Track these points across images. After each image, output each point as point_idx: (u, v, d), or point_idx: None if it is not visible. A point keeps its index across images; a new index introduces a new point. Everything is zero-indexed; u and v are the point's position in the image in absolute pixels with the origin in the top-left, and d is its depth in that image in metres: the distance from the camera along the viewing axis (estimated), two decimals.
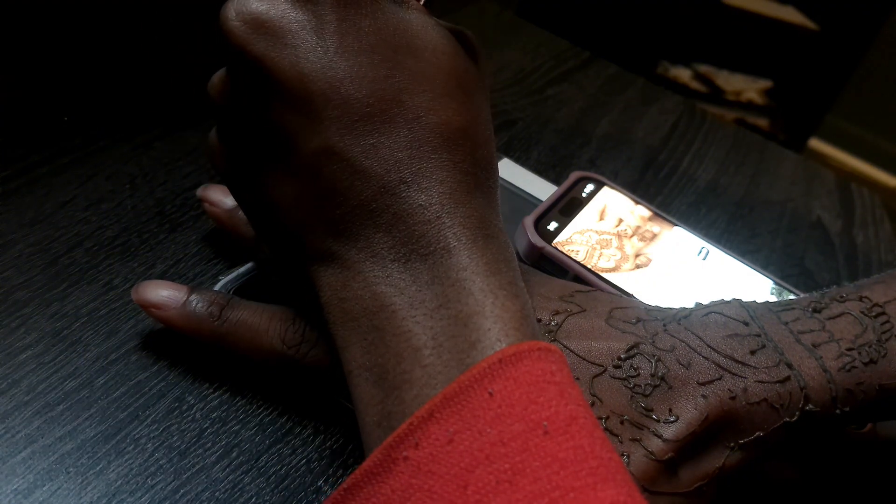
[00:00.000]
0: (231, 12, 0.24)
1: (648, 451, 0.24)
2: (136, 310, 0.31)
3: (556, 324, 0.27)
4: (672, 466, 0.24)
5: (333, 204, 0.24)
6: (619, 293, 0.33)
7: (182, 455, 0.27)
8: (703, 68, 1.71)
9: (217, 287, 0.32)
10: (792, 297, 0.38)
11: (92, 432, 0.27)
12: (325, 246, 0.25)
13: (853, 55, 1.64)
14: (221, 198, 0.34)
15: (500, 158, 0.48)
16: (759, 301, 0.29)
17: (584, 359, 0.26)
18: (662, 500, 0.24)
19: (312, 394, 0.30)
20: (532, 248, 0.36)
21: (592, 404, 0.25)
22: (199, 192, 0.35)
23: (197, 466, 0.27)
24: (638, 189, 0.52)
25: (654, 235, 0.39)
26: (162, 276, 0.34)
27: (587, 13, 1.59)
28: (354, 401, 0.24)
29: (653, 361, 0.25)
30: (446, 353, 0.22)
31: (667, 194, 0.53)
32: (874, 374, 0.26)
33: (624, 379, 0.25)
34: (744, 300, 0.28)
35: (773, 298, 0.36)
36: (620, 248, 0.37)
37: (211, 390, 0.30)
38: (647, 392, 0.25)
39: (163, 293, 0.29)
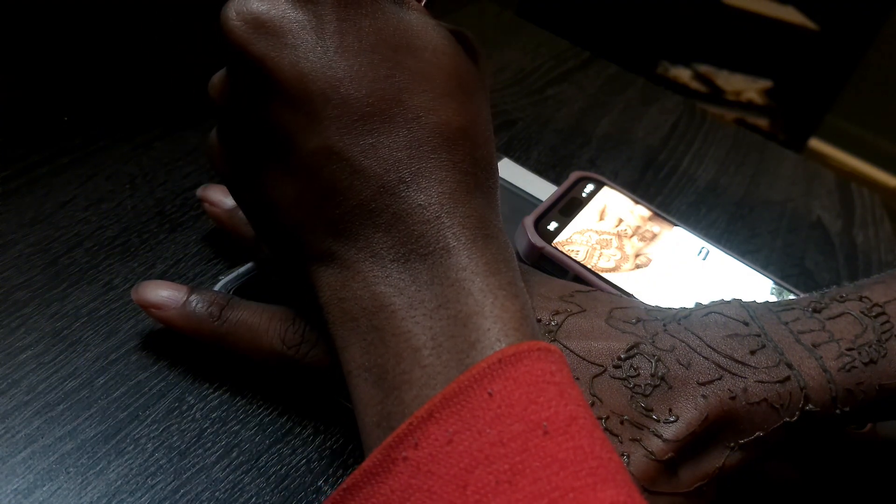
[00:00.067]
0: (231, 12, 0.24)
1: (648, 451, 0.24)
2: (136, 310, 0.31)
3: (556, 324, 0.27)
4: (672, 466, 0.24)
5: (333, 204, 0.24)
6: (619, 293, 0.33)
7: (182, 455, 0.27)
8: (703, 68, 1.71)
9: (217, 287, 0.32)
10: (792, 297, 0.38)
11: (92, 432, 0.27)
12: (325, 246, 0.25)
13: (853, 55, 1.64)
14: (221, 198, 0.34)
15: (500, 158, 0.48)
16: (759, 301, 0.29)
17: (584, 359, 0.26)
18: (662, 500, 0.24)
19: (312, 394, 0.30)
20: (532, 248, 0.36)
21: (592, 404, 0.25)
22: (199, 192, 0.35)
23: (197, 466, 0.27)
24: (638, 189, 0.52)
25: (654, 235, 0.39)
26: (162, 276, 0.34)
27: (587, 13, 1.59)
28: (354, 401, 0.24)
29: (653, 361, 0.25)
30: (446, 353, 0.22)
31: (667, 194, 0.53)
32: (874, 374, 0.26)
33: (624, 379, 0.25)
34: (744, 300, 0.28)
35: (773, 298, 0.36)
36: (620, 248, 0.37)
37: (211, 390, 0.30)
38: (647, 392, 0.25)
39: (163, 293, 0.29)
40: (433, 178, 0.24)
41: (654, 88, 0.66)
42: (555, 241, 0.36)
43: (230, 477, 0.27)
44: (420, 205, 0.24)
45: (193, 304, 0.29)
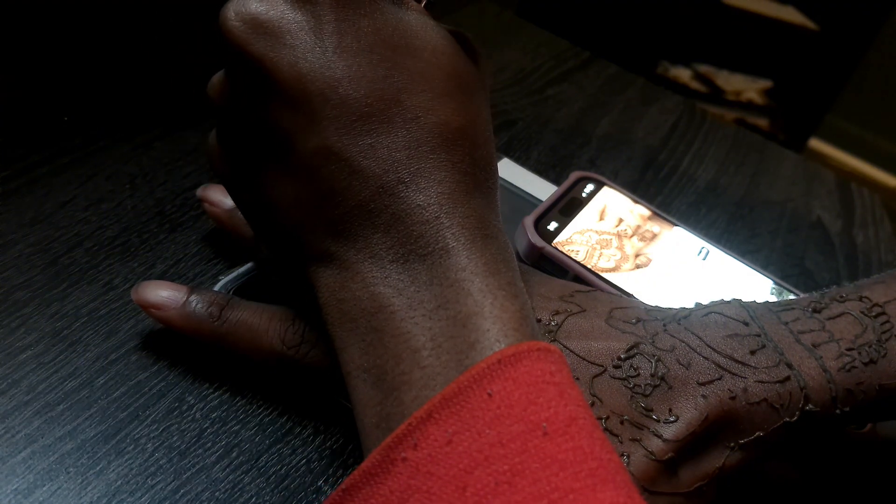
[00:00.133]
0: (230, 12, 0.24)
1: (648, 451, 0.24)
2: (136, 310, 0.31)
3: (556, 324, 0.27)
4: (672, 466, 0.24)
5: (332, 204, 0.24)
6: (619, 293, 0.33)
7: (182, 455, 0.27)
8: (703, 68, 1.71)
9: (217, 287, 0.32)
10: (792, 297, 0.38)
11: (92, 432, 0.27)
12: (324, 246, 0.25)
13: (853, 55, 1.64)
14: (221, 198, 0.34)
15: (500, 158, 0.48)
16: (759, 301, 0.29)
17: (583, 359, 0.26)
18: (662, 500, 0.24)
19: (312, 394, 0.30)
20: (532, 248, 0.36)
21: (592, 404, 0.25)
22: (199, 192, 0.35)
23: (197, 466, 0.27)
24: (638, 189, 0.52)
25: (654, 235, 0.39)
26: (162, 276, 0.34)
27: (587, 13, 1.59)
28: (353, 402, 0.24)
29: (653, 361, 0.25)
30: (445, 353, 0.22)
31: (667, 194, 0.53)
32: (874, 374, 0.26)
33: (624, 379, 0.25)
34: (744, 300, 0.28)
35: (773, 298, 0.36)
36: (620, 248, 0.37)
37: (211, 390, 0.30)
38: (647, 392, 0.25)
39: (162, 293, 0.29)
40: (432, 179, 0.24)
41: (654, 88, 0.66)
42: (555, 241, 0.36)
43: (230, 477, 0.27)
44: (419, 205, 0.24)
45: (193, 304, 0.29)
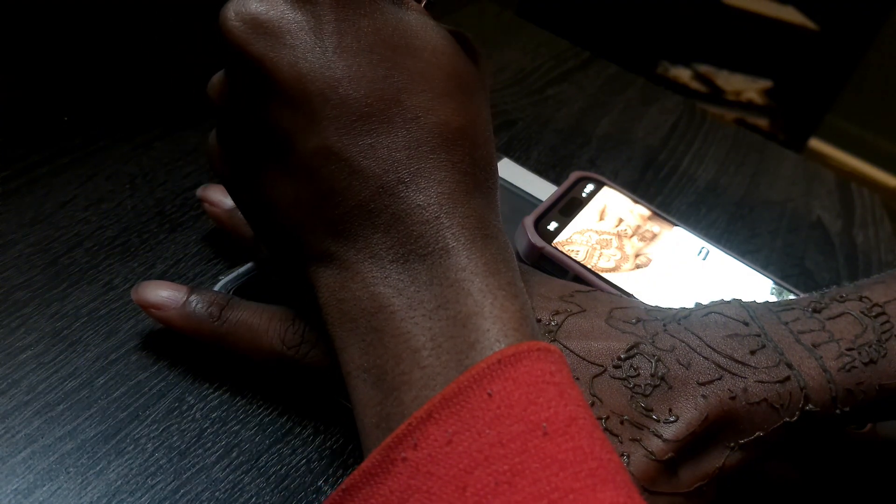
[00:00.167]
0: (230, 12, 0.24)
1: (648, 451, 0.24)
2: (136, 310, 0.31)
3: (556, 324, 0.27)
4: (672, 466, 0.24)
5: (332, 204, 0.24)
6: (619, 293, 0.33)
7: (182, 455, 0.27)
8: (703, 68, 1.71)
9: (217, 287, 0.32)
10: (792, 297, 0.38)
11: (92, 432, 0.27)
12: (324, 246, 0.25)
13: (853, 55, 1.64)
14: (221, 198, 0.34)
15: (500, 158, 0.48)
16: (759, 301, 0.29)
17: (583, 359, 0.26)
18: (662, 500, 0.24)
19: (312, 394, 0.30)
20: (532, 248, 0.36)
21: (592, 404, 0.25)
22: (199, 192, 0.35)
23: (197, 466, 0.27)
24: (638, 189, 0.52)
25: (654, 235, 0.39)
26: (162, 276, 0.34)
27: (587, 13, 1.59)
28: (353, 402, 0.24)
29: (653, 361, 0.25)
30: (445, 353, 0.22)
31: (667, 194, 0.53)
32: (874, 374, 0.26)
33: (624, 379, 0.25)
34: (744, 300, 0.28)
35: (773, 298, 0.36)
36: (620, 248, 0.37)
37: (211, 390, 0.30)
38: (647, 392, 0.25)
39: (162, 293, 0.29)
40: (432, 179, 0.24)
41: (654, 88, 0.66)
42: (555, 241, 0.36)
43: (230, 477, 0.27)
44: (419, 205, 0.24)
45: (193, 304, 0.29)
